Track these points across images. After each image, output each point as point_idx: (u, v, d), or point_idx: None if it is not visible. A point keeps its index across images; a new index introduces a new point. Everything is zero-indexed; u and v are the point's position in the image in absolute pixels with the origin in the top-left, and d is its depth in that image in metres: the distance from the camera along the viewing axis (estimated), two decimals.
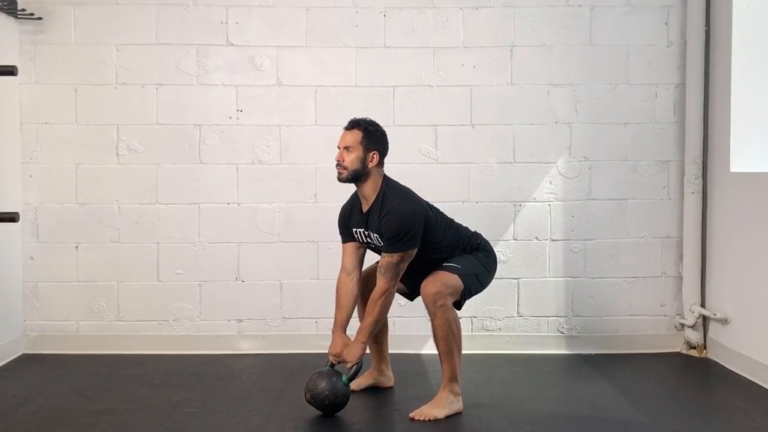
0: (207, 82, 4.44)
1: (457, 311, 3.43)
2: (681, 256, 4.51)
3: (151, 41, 4.41)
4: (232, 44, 4.44)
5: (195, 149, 4.44)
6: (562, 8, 4.46)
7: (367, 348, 3.75)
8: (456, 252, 3.49)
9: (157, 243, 4.45)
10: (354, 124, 3.45)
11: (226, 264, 4.47)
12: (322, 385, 3.32)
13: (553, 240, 4.51)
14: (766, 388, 3.78)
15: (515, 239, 4.50)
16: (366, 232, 3.48)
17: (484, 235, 4.44)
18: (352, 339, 3.45)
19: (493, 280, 4.43)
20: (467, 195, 4.41)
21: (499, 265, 4.43)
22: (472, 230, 3.62)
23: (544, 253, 4.52)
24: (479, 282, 3.50)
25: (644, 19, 4.48)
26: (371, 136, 3.42)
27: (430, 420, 3.29)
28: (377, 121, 3.51)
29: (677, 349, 4.52)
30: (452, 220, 3.57)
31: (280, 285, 4.48)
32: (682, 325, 4.50)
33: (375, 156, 3.41)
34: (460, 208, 4.38)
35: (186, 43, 4.42)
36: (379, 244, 3.42)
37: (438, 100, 4.45)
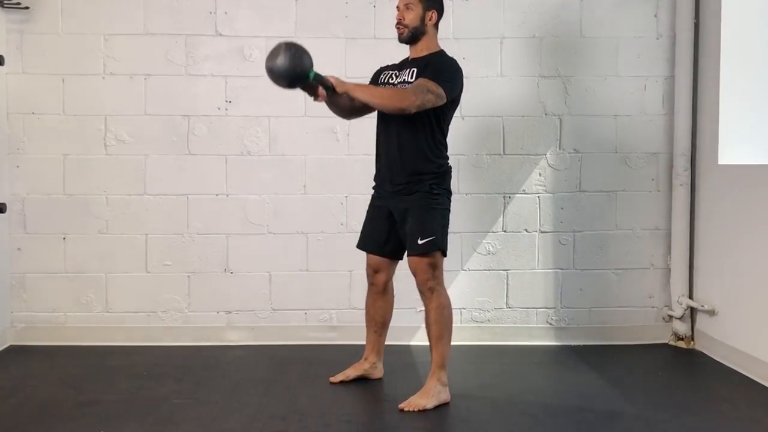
0: (195, 73, 4.41)
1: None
2: (669, 248, 4.53)
3: (139, 31, 4.38)
4: (220, 34, 4.41)
5: (183, 140, 4.42)
6: (552, 0, 4.46)
7: (364, 338, 3.78)
8: (431, 169, 3.42)
9: (146, 234, 4.43)
10: None
11: (214, 255, 4.45)
12: (289, 59, 3.14)
13: (542, 232, 4.52)
14: (752, 379, 3.81)
15: (504, 231, 4.51)
16: (398, 72, 3.48)
17: (474, 227, 4.48)
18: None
19: (483, 271, 4.50)
20: (457, 187, 4.40)
21: (488, 257, 4.50)
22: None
23: (533, 245, 4.52)
24: (447, 234, 3.47)
25: (634, 11, 4.48)
26: None
27: (419, 410, 3.29)
28: None
29: (665, 341, 4.54)
30: None
31: (269, 276, 4.48)
32: (670, 317, 4.52)
33: (434, 14, 3.47)
34: (451, 199, 4.37)
35: (174, 33, 4.39)
36: (408, 81, 3.38)
37: None
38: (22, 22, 4.33)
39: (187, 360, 4.13)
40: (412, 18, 3.45)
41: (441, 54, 3.50)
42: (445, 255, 3.44)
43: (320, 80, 3.25)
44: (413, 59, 3.51)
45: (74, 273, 4.42)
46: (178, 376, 3.84)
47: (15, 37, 4.33)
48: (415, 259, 3.38)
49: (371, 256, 3.64)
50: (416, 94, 3.27)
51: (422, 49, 3.49)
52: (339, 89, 3.28)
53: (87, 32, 4.37)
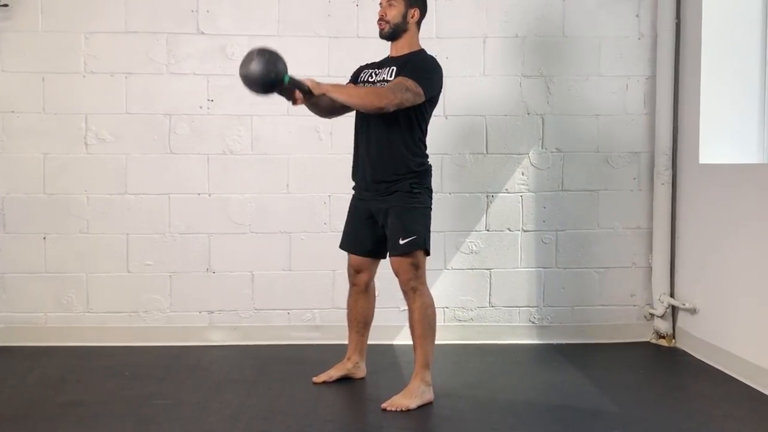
0: (177, 71, 4.39)
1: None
2: (651, 247, 4.56)
3: (120, 29, 4.35)
4: (202, 33, 4.39)
5: (165, 139, 4.39)
6: None
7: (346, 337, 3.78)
8: (410, 168, 3.41)
9: (127, 234, 4.40)
10: None
11: (196, 255, 4.43)
12: (263, 65, 3.11)
13: (525, 231, 4.53)
14: (732, 377, 3.83)
15: (487, 230, 4.52)
16: (378, 71, 3.50)
17: (457, 226, 4.49)
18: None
19: (466, 270, 4.50)
20: (440, 186, 4.41)
21: (471, 256, 4.50)
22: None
23: (516, 244, 4.53)
24: (430, 233, 3.46)
25: (616, 11, 4.50)
26: None
27: (402, 410, 3.29)
28: None
29: (647, 339, 4.57)
30: None
31: (251, 276, 4.46)
32: (652, 315, 4.55)
33: (416, 12, 3.47)
34: (433, 198, 4.36)
35: (156, 31, 4.37)
36: (387, 79, 3.38)
37: None
38: (1, 20, 4.28)
39: (169, 360, 4.10)
40: (394, 14, 3.45)
41: (421, 52, 3.50)
42: (428, 254, 3.44)
43: (296, 84, 3.22)
44: (393, 58, 3.51)
45: (55, 273, 4.38)
46: (160, 376, 3.81)
47: None
48: (397, 259, 3.38)
49: (353, 256, 3.63)
50: (394, 92, 3.27)
51: (403, 47, 3.50)
52: (316, 92, 3.25)
53: (67, 30, 4.33)
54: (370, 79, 3.51)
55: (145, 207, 4.40)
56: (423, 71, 3.37)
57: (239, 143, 4.42)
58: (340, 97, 3.30)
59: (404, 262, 3.36)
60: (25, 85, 4.33)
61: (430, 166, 3.53)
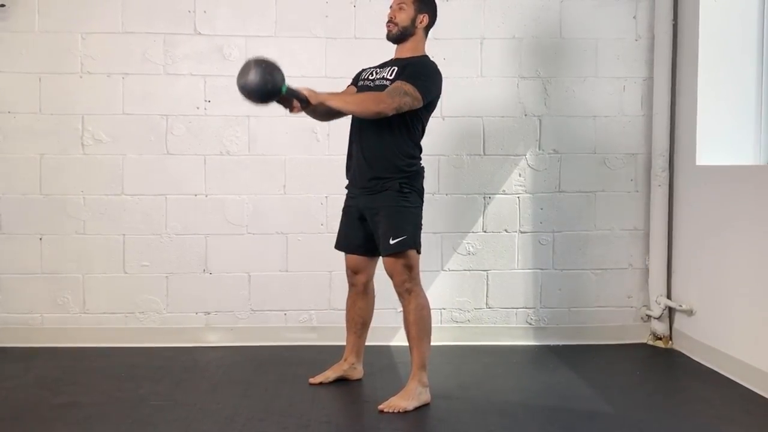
0: (174, 72, 4.38)
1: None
2: (647, 248, 4.56)
3: (116, 30, 4.35)
4: (199, 33, 4.39)
5: (162, 140, 4.39)
6: (532, 1, 4.47)
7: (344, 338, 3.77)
8: (400, 168, 3.40)
9: (123, 234, 4.39)
10: None
11: (193, 256, 4.42)
12: (259, 75, 3.08)
13: (522, 232, 4.53)
14: (729, 378, 3.84)
15: (484, 231, 4.51)
16: (378, 70, 3.52)
17: (454, 228, 4.49)
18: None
19: (463, 272, 4.50)
20: (437, 187, 4.41)
21: (468, 257, 4.50)
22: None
23: (513, 245, 4.53)
24: (420, 232, 3.45)
25: (613, 12, 4.51)
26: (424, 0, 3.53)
27: (399, 412, 3.29)
28: None
29: (643, 340, 4.57)
30: None
31: (248, 277, 4.45)
32: (648, 317, 4.55)
33: (425, 18, 3.51)
34: (430, 200, 4.35)
35: (153, 32, 4.36)
36: (388, 78, 3.41)
37: None
38: None
39: (166, 361, 4.10)
40: (403, 18, 3.48)
41: (424, 57, 3.52)
42: (419, 253, 3.43)
43: (294, 94, 3.22)
44: (396, 59, 3.52)
45: (51, 274, 4.37)
46: (156, 377, 3.81)
47: None
48: (389, 260, 3.37)
49: (350, 256, 3.63)
50: (392, 96, 3.27)
51: (407, 51, 3.51)
52: (313, 101, 3.26)
53: (64, 31, 4.32)
54: (369, 77, 3.53)
55: (141, 208, 4.39)
56: (422, 75, 3.37)
57: (236, 144, 4.41)
58: (337, 105, 3.33)
59: (397, 263, 3.36)
60: (21, 86, 4.32)
61: (423, 167, 3.52)
